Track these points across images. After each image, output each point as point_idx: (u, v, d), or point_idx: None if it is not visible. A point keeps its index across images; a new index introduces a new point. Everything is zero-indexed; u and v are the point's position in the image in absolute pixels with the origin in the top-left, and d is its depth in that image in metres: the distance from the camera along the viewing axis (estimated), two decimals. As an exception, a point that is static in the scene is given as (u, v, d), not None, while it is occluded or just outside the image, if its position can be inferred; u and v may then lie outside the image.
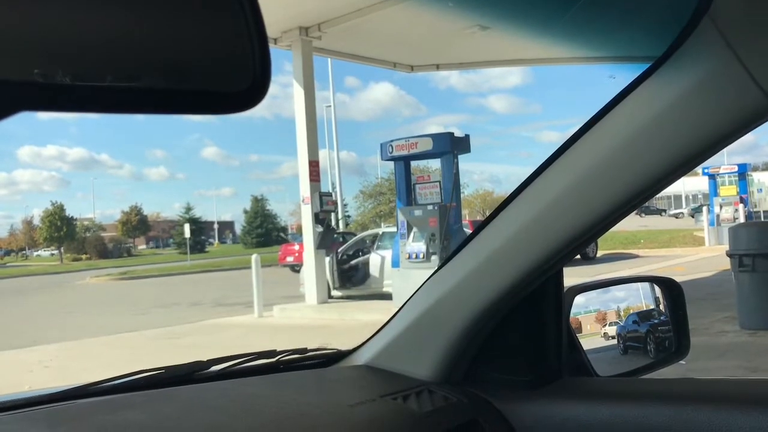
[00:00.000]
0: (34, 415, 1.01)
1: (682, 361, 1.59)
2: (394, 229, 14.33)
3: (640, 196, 1.03)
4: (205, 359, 1.31)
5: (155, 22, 0.42)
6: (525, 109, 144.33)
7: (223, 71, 0.45)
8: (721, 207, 23.94)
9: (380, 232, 16.04)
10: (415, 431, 1.13)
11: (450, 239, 10.83)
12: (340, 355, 1.45)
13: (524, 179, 1.15)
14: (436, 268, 1.32)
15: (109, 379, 1.20)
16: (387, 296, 12.23)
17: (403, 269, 11.35)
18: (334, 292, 14.07)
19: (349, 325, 10.36)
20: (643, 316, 1.59)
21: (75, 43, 0.40)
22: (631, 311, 1.62)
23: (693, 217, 39.11)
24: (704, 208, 26.16)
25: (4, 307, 19.25)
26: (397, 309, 1.39)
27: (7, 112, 0.38)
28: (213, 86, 0.45)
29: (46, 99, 0.40)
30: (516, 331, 1.27)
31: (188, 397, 1.16)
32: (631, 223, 30.08)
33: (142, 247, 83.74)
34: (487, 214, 1.22)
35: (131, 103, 0.43)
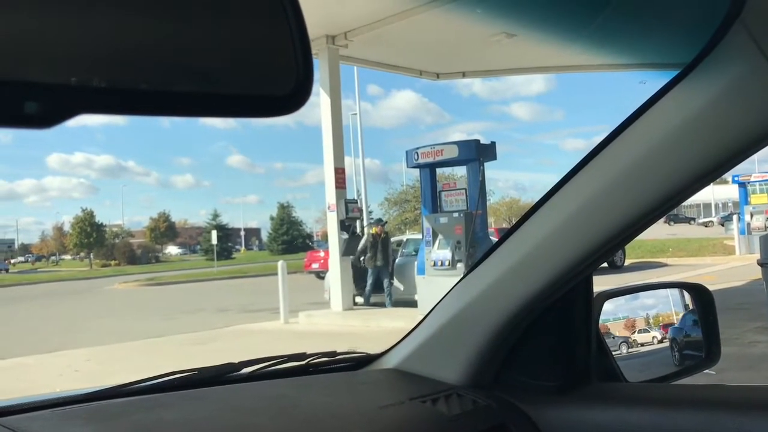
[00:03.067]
0: (73, 413, 1.03)
1: (711, 371, 1.57)
2: (419, 236, 14.33)
3: (669, 202, 1.03)
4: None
5: (200, 27, 0.44)
6: (549, 117, 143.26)
7: (267, 75, 0.47)
8: (752, 215, 23.51)
9: (405, 239, 16.04)
10: None
11: (476, 247, 10.79)
12: (369, 359, 1.46)
13: (554, 185, 1.15)
14: (465, 273, 1.33)
15: (142, 380, 1.23)
16: (411, 303, 12.20)
17: (429, 276, 11.33)
18: (358, 299, 14.09)
19: (374, 332, 10.37)
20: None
21: (122, 48, 0.42)
22: (661, 318, 1.62)
23: (723, 225, 38.45)
24: (734, 217, 25.72)
25: (35, 312, 19.57)
26: (424, 314, 1.40)
27: (52, 118, 0.40)
28: (257, 90, 0.47)
29: (98, 103, 0.42)
30: (545, 336, 1.28)
31: (220, 398, 1.18)
32: (660, 231, 29.68)
33: (177, 251, 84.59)
34: (514, 222, 1.23)
35: (179, 106, 0.45)
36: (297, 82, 0.46)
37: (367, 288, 13.58)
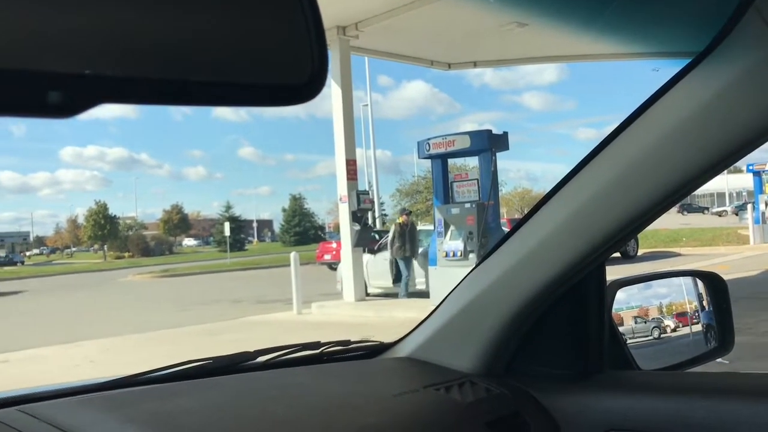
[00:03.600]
0: (91, 401, 1.05)
1: (724, 360, 1.57)
2: (430, 227, 14.32)
3: (681, 191, 1.03)
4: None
5: (216, 16, 0.45)
6: (561, 106, 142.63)
7: (282, 64, 0.47)
8: (766, 204, 23.29)
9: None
10: (458, 422, 1.14)
11: (488, 237, 10.77)
12: (382, 347, 1.47)
13: (567, 173, 1.16)
14: (478, 262, 1.33)
15: (158, 369, 1.24)
16: (423, 294, 12.22)
17: (441, 267, 11.34)
18: (371, 290, 14.12)
19: (386, 323, 10.39)
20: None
21: (140, 38, 0.42)
22: (674, 307, 1.61)
23: (737, 214, 38.15)
24: (749, 206, 25.50)
25: (51, 303, 19.77)
26: (437, 304, 1.41)
27: (74, 107, 0.41)
28: (272, 79, 0.47)
29: (118, 92, 0.43)
30: (558, 325, 1.28)
31: (236, 386, 1.20)
32: (673, 221, 29.51)
33: (192, 243, 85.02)
34: (526, 212, 1.23)
35: (195, 95, 0.46)
36: (312, 70, 0.47)
37: (404, 279, 13.41)
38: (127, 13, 0.41)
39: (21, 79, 0.37)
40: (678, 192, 1.03)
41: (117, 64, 0.41)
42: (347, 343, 1.46)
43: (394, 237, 13.44)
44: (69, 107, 0.39)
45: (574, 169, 1.14)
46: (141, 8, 0.42)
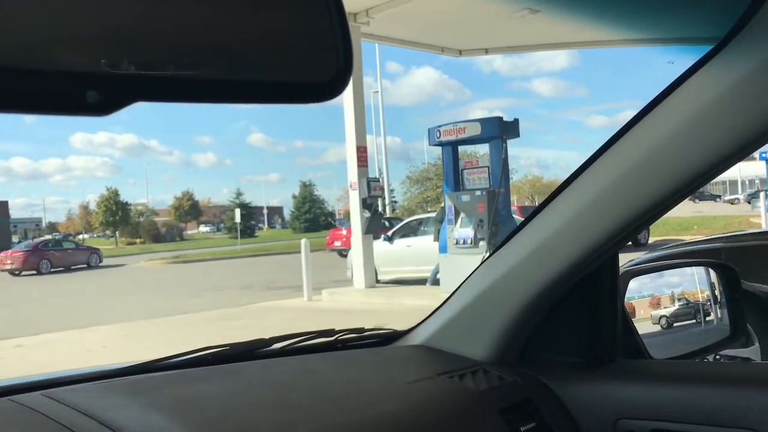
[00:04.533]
0: (112, 386, 1.07)
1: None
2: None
3: (698, 181, 1.03)
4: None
5: (244, 16, 0.46)
6: (572, 93, 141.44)
7: (308, 62, 0.48)
8: (779, 192, 23.11)
9: (427, 218, 16.05)
10: (472, 409, 1.16)
11: (498, 225, 10.76)
12: (396, 335, 1.49)
13: (582, 163, 1.16)
14: (491, 251, 1.34)
15: (176, 355, 1.26)
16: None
17: (451, 255, 11.34)
18: (381, 276, 14.15)
19: (396, 310, 10.43)
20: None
21: (174, 40, 0.44)
22: (686, 297, 1.62)
23: (749, 203, 37.83)
24: (761, 194, 25.27)
25: (64, 289, 19.95)
26: (447, 292, 1.42)
27: (111, 106, 0.42)
28: (299, 77, 0.49)
29: (151, 92, 0.44)
30: (571, 314, 1.29)
31: (253, 372, 1.22)
32: (685, 209, 29.27)
33: (205, 229, 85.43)
34: (537, 200, 1.24)
35: (225, 93, 0.47)
36: (338, 68, 0.48)
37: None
38: (160, 15, 0.42)
39: (62, 80, 0.39)
40: (694, 183, 1.03)
41: (151, 63, 0.43)
42: (361, 330, 1.48)
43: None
44: (106, 106, 0.41)
45: (589, 158, 1.14)
46: (171, 10, 0.43)
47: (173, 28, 0.43)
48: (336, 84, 0.48)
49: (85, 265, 32.02)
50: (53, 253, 31.62)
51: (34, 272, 29.31)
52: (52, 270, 29.83)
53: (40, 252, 31.47)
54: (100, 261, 33.76)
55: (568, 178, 1.18)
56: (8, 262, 30.02)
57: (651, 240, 20.71)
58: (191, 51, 0.45)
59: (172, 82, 0.44)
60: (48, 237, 44.57)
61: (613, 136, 1.10)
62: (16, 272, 29.36)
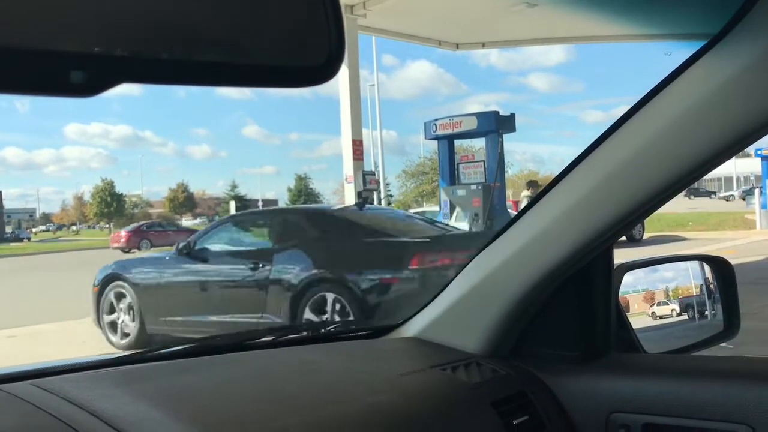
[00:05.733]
0: (102, 376, 1.07)
1: (729, 345, 1.58)
2: (435, 208, 14.33)
3: (692, 176, 1.03)
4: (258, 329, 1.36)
5: None
6: (568, 88, 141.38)
7: (299, 46, 0.47)
8: (774, 189, 23.20)
9: (423, 211, 16.07)
10: (464, 401, 1.16)
11: (493, 219, 10.79)
12: (388, 327, 1.48)
13: (577, 156, 1.16)
14: (485, 243, 1.34)
15: (167, 346, 1.26)
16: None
17: (446, 248, 11.35)
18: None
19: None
20: None
21: (161, 20, 0.43)
22: (680, 291, 1.62)
23: (744, 199, 37.96)
24: (756, 191, 25.36)
25: (57, 280, 19.90)
26: (444, 285, 1.42)
27: (96, 87, 0.41)
28: (290, 61, 0.48)
29: (139, 73, 0.43)
30: (565, 307, 1.29)
31: (245, 363, 1.21)
32: (680, 205, 29.37)
33: (195, 221, 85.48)
34: (533, 194, 1.24)
35: (214, 76, 0.46)
36: (329, 52, 0.47)
37: None
38: None
39: (45, 59, 0.38)
40: (688, 177, 1.03)
41: (138, 44, 0.42)
42: (353, 322, 1.48)
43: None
44: (91, 86, 0.40)
45: (584, 152, 1.14)
46: None
47: (163, 10, 0.42)
48: (327, 68, 0.47)
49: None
50: (153, 233, 35.65)
51: (137, 250, 31.39)
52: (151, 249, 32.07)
53: (142, 233, 35.98)
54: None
55: (563, 171, 1.18)
56: (121, 239, 34.73)
57: (646, 236, 20.79)
58: (181, 33, 0.44)
59: (160, 64, 0.43)
60: (152, 220, 48.40)
61: (608, 129, 1.10)
62: (126, 250, 32.12)
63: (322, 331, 1.42)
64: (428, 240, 6.47)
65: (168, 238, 33.42)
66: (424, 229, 7.33)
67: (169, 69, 0.44)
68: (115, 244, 34.43)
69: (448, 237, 7.05)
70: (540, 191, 1.23)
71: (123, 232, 36.70)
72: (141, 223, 42.29)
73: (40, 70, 0.38)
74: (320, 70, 0.48)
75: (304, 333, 1.40)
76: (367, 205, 8.49)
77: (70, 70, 0.39)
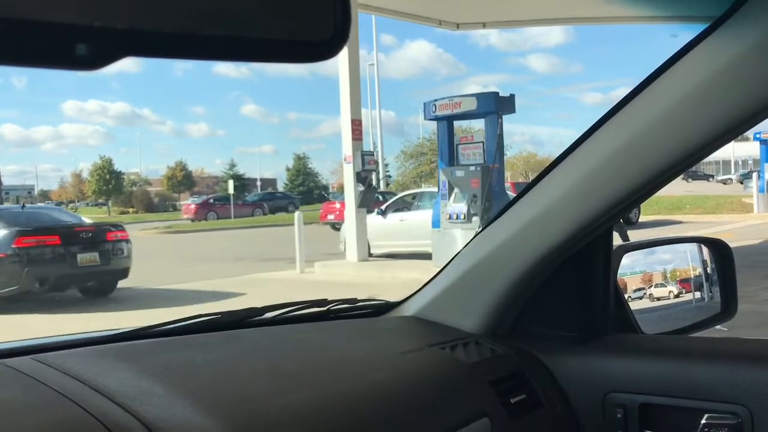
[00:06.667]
0: (104, 351, 1.07)
1: (724, 328, 1.59)
2: (434, 189, 14.29)
3: (693, 157, 1.03)
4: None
5: None
6: (567, 70, 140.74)
7: (305, 20, 0.47)
8: (772, 173, 23.18)
9: (421, 192, 16.05)
10: (463, 380, 1.16)
11: (492, 201, 10.77)
12: (389, 306, 1.49)
13: (578, 137, 1.15)
14: (484, 225, 1.34)
15: (168, 323, 1.26)
16: (426, 255, 12.26)
17: (444, 229, 11.36)
18: (374, 250, 14.17)
19: (389, 283, 10.47)
20: None
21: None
22: (678, 273, 1.63)
23: (742, 183, 37.96)
24: (754, 174, 25.36)
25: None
26: (440, 266, 1.42)
27: (100, 60, 0.41)
28: (294, 35, 0.47)
29: (143, 46, 0.43)
30: (564, 287, 1.29)
31: (246, 341, 1.22)
32: (678, 188, 29.35)
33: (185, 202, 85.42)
34: (530, 176, 1.24)
35: (217, 49, 0.46)
36: (335, 27, 0.46)
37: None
38: None
39: (50, 31, 0.37)
40: (688, 160, 1.03)
41: (142, 17, 0.41)
42: (354, 301, 1.48)
43: None
44: (96, 59, 0.39)
45: (585, 133, 1.13)
46: None
47: None
48: (333, 43, 0.47)
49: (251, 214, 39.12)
50: (219, 206, 39.89)
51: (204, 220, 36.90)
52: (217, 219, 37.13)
53: (209, 205, 40.64)
54: (264, 213, 40.78)
55: (563, 153, 1.18)
56: (191, 209, 40.11)
57: (642, 219, 20.80)
58: (185, 6, 0.43)
59: (164, 37, 0.43)
60: (218, 194, 51.54)
61: (609, 111, 1.09)
62: (194, 219, 37.72)
63: (323, 309, 1.42)
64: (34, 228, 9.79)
65: (234, 210, 36.55)
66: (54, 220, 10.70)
67: (174, 42, 0.44)
68: (186, 215, 39.79)
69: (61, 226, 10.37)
70: (539, 174, 1.23)
71: (192, 205, 41.49)
72: (208, 196, 46.65)
73: (44, 42, 0.38)
74: (326, 46, 0.47)
75: (306, 311, 1.40)
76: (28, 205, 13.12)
77: (76, 43, 0.38)
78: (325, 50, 0.48)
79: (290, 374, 1.05)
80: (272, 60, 0.48)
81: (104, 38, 0.39)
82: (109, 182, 67.82)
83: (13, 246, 9.37)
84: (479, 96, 11.41)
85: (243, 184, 65.78)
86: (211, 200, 42.29)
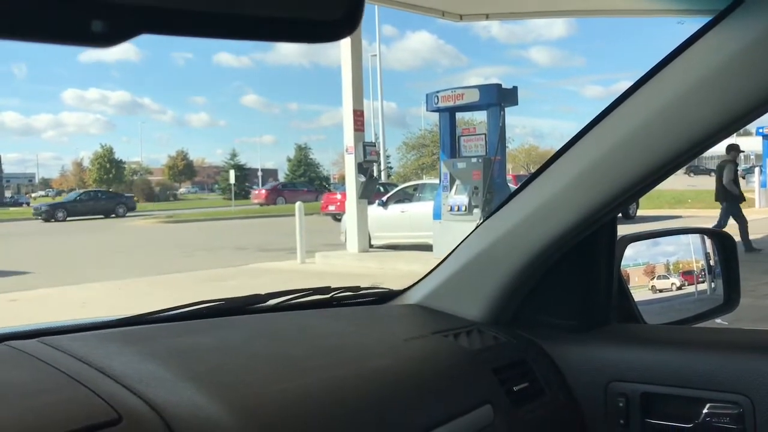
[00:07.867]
0: (110, 335, 1.07)
1: (724, 321, 1.59)
2: (435, 181, 14.27)
3: (697, 148, 1.03)
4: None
5: None
6: (568, 62, 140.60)
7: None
8: (774, 168, 23.15)
9: (422, 184, 16.03)
10: (466, 367, 1.17)
11: (493, 193, 10.76)
12: (391, 294, 1.49)
13: (582, 128, 1.15)
14: (487, 215, 1.34)
15: (172, 308, 1.26)
16: (427, 247, 12.27)
17: (445, 221, 11.36)
18: (375, 241, 14.18)
19: (389, 274, 10.47)
20: None
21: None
22: (681, 265, 1.63)
23: (744, 178, 37.89)
24: (756, 169, 25.35)
25: (56, 246, 19.94)
26: (441, 257, 1.43)
27: (115, 36, 0.41)
28: (307, 14, 0.47)
29: (157, 23, 0.43)
30: (567, 277, 1.30)
31: (250, 326, 1.22)
32: (680, 182, 29.35)
33: (183, 190, 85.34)
34: (532, 169, 1.24)
35: (229, 27, 0.46)
36: (348, 6, 0.46)
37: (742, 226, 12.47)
38: None
39: (66, 6, 0.37)
40: (691, 151, 1.03)
41: None
42: (357, 289, 1.49)
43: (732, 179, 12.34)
44: (111, 36, 0.39)
45: (587, 125, 1.14)
46: None
47: None
48: (346, 23, 0.47)
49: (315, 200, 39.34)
50: (287, 192, 42.55)
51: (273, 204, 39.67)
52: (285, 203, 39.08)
53: (278, 191, 43.59)
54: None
55: (566, 144, 1.18)
56: (261, 194, 43.12)
57: (644, 213, 20.74)
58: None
59: (180, 15, 0.43)
60: (286, 180, 55.86)
61: (612, 103, 1.09)
62: (262, 204, 40.92)
63: (326, 296, 1.43)
64: None
65: (299, 196, 37.51)
66: None
67: (188, 20, 0.44)
68: (256, 200, 43.24)
69: None
70: (543, 164, 1.23)
71: (263, 190, 44.77)
72: (277, 182, 50.27)
73: (60, 17, 0.38)
74: (338, 25, 0.47)
75: (309, 298, 1.40)
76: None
77: (92, 19, 0.38)
78: (338, 30, 0.48)
79: (294, 359, 1.06)
80: (285, 39, 0.48)
81: (120, 15, 0.39)
82: (110, 171, 67.83)
83: None
84: (482, 87, 11.38)
85: (244, 174, 65.74)
86: (280, 186, 45.92)
